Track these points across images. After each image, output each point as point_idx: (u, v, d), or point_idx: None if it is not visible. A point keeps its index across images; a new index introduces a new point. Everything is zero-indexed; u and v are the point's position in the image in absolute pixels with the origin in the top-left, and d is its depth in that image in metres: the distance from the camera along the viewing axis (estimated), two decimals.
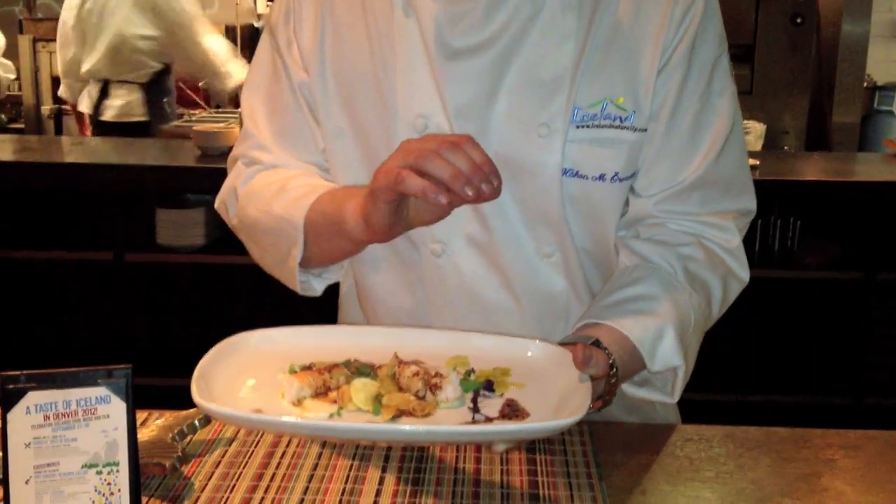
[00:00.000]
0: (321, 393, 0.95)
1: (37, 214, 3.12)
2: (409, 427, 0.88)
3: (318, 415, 0.92)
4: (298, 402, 0.94)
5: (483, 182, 0.91)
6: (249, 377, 0.97)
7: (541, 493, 0.98)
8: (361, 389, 0.93)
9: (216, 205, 1.28)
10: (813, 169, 3.28)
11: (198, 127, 3.25)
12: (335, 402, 0.94)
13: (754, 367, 3.09)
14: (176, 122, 3.79)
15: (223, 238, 2.94)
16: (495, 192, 0.93)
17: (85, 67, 4.06)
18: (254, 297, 2.53)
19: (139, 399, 0.97)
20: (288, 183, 1.15)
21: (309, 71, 1.18)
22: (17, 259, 3.09)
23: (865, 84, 4.44)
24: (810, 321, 3.09)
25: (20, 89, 4.98)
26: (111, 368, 0.91)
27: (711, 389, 2.84)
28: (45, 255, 3.07)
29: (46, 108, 4.90)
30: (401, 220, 1.00)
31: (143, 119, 4.04)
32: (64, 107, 4.64)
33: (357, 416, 0.92)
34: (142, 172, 2.96)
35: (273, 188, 1.16)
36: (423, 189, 0.92)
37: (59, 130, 4.83)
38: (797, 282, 3.05)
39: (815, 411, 3.03)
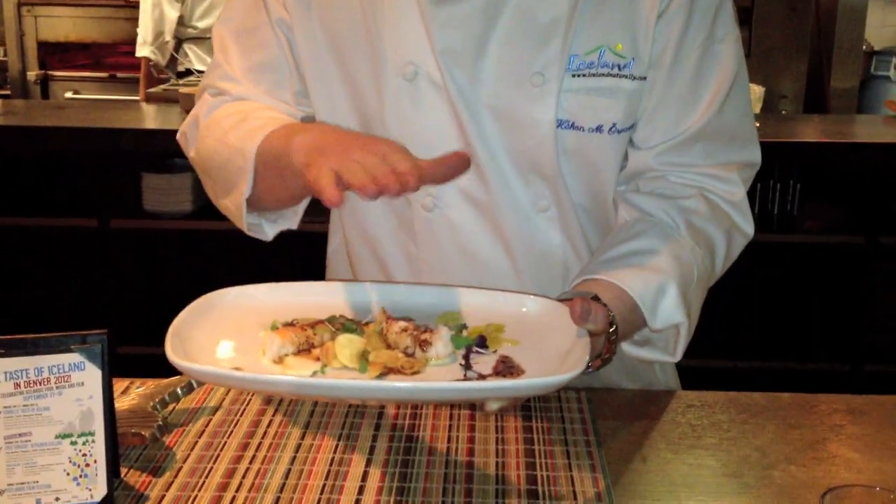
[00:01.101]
0: (304, 350, 0.90)
1: (20, 180, 3.08)
2: (396, 384, 0.83)
3: (300, 372, 0.87)
4: (280, 360, 0.89)
5: (396, 190, 0.85)
6: (228, 335, 0.92)
7: (537, 461, 0.95)
8: (347, 346, 0.89)
9: (177, 136, 1.24)
10: (813, 131, 3.26)
11: (185, 90, 3.19)
12: (319, 359, 0.89)
13: (753, 334, 3.07)
14: (163, 86, 3.71)
15: (211, 204, 2.89)
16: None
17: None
18: (242, 263, 2.49)
19: (125, 368, 0.94)
20: (249, 114, 1.11)
21: (293, 15, 1.14)
22: (0, 226, 3.04)
23: (864, 49, 4.38)
24: (810, 286, 3.07)
25: (5, 55, 4.90)
26: (85, 334, 0.89)
27: (709, 356, 2.81)
28: (29, 221, 3.03)
29: (32, 73, 4.83)
30: None
31: None
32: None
33: (342, 373, 0.87)
34: (127, 136, 2.91)
35: (233, 119, 1.11)
36: (332, 202, 0.86)
37: (45, 96, 4.76)
38: (797, 246, 3.03)
39: (814, 377, 3.02)
